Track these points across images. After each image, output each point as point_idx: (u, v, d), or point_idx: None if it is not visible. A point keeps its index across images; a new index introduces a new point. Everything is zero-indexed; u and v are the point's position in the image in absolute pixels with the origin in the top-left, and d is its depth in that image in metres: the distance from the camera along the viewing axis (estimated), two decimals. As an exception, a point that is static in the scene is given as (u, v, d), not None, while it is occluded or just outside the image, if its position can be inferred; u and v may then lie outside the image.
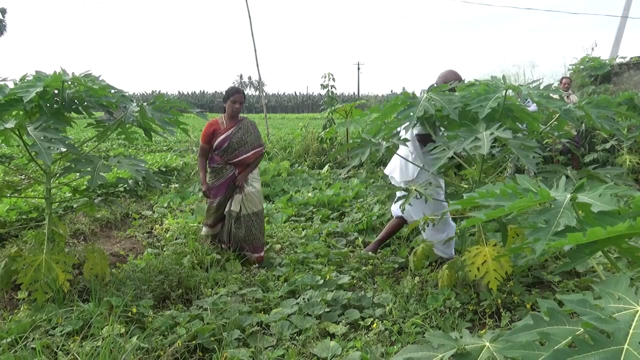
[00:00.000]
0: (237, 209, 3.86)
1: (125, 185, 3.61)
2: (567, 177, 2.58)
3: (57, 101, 2.73)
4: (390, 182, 3.61)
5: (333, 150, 9.32)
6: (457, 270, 2.98)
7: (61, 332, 2.44)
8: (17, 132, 2.69)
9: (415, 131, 3.38)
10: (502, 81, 2.68)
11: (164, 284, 3.09)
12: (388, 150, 3.05)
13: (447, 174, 3.41)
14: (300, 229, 4.82)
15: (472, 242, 3.30)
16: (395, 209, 3.86)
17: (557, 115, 2.76)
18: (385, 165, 8.06)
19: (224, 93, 3.87)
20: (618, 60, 9.80)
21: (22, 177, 6.53)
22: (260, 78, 13.37)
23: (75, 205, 4.20)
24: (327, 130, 9.44)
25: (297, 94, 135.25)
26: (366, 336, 2.47)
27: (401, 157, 3.50)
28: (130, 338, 2.35)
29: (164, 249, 4.01)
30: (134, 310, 2.63)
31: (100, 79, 2.77)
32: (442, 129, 3.11)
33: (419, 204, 3.38)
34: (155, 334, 2.47)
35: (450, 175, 3.47)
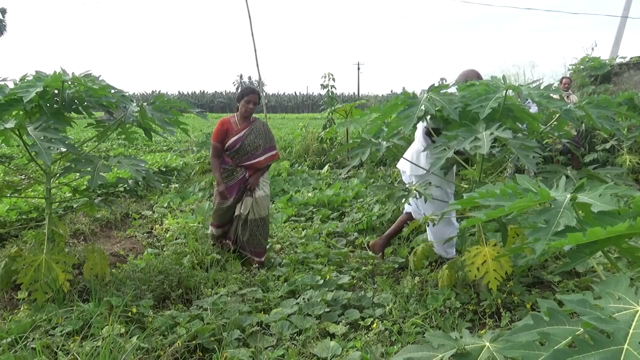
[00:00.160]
0: (246, 212, 3.79)
1: (125, 185, 3.61)
2: (567, 177, 2.58)
3: (57, 101, 2.73)
4: (389, 181, 3.61)
5: (333, 150, 9.32)
6: (457, 270, 2.98)
7: (61, 332, 2.44)
8: (17, 132, 2.69)
9: (424, 124, 3.37)
10: (502, 81, 2.68)
11: (164, 284, 3.09)
12: (388, 150, 3.05)
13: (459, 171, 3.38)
14: (300, 229, 4.82)
15: (472, 242, 3.30)
16: (407, 205, 3.84)
17: (557, 115, 2.76)
18: (385, 165, 8.10)
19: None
20: (618, 60, 9.80)
21: (22, 177, 6.53)
22: (260, 78, 13.37)
23: (75, 205, 4.20)
24: (327, 130, 9.44)
25: (297, 94, 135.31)
26: (366, 336, 2.47)
27: (406, 158, 3.50)
28: (130, 338, 2.35)
29: (164, 249, 4.01)
30: (134, 310, 2.63)
31: (100, 79, 2.77)
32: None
33: (428, 202, 3.37)
34: (155, 334, 2.47)
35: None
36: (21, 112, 2.70)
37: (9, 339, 2.32)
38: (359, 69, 68.63)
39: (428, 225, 3.48)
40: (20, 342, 2.30)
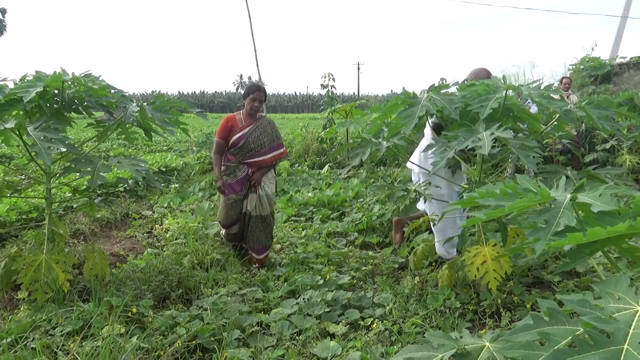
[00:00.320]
0: (251, 209, 3.75)
1: (125, 185, 3.61)
2: (567, 177, 2.58)
3: (57, 101, 2.73)
4: (389, 181, 3.60)
5: (333, 150, 9.32)
6: (457, 270, 2.98)
7: (61, 332, 2.44)
8: (17, 132, 2.69)
9: (432, 119, 3.36)
10: (502, 81, 2.68)
11: (164, 284, 3.09)
12: (388, 150, 3.05)
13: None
14: (300, 229, 4.82)
15: (472, 242, 3.30)
16: (420, 203, 3.84)
17: (557, 115, 2.76)
18: (385, 165, 8.10)
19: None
20: (618, 60, 9.80)
21: (22, 177, 6.53)
22: (260, 78, 13.38)
23: (75, 205, 4.20)
24: (327, 130, 9.45)
25: (297, 94, 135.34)
26: (366, 336, 2.47)
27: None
28: (130, 338, 2.35)
29: (164, 249, 4.01)
30: (134, 310, 2.63)
31: (100, 79, 2.77)
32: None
33: (435, 201, 3.38)
34: (155, 334, 2.47)
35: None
36: (21, 112, 2.70)
37: (9, 339, 2.32)
38: (359, 69, 68.61)
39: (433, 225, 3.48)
40: (20, 342, 2.30)
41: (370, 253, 3.97)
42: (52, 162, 2.60)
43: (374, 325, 2.58)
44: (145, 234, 4.75)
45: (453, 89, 2.86)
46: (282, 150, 3.86)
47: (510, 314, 2.70)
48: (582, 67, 9.59)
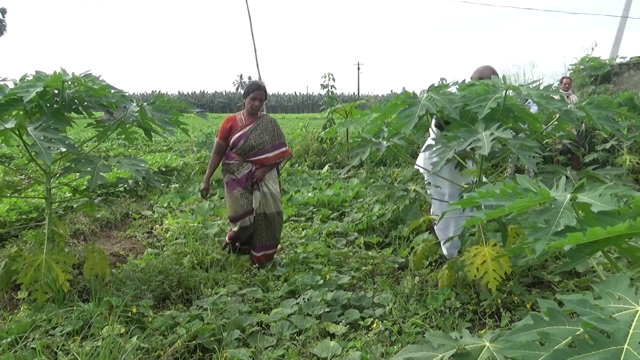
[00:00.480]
0: (256, 207, 3.72)
1: (125, 185, 3.62)
2: (567, 177, 2.58)
3: (57, 101, 2.73)
4: (389, 181, 3.60)
5: (333, 150, 9.32)
6: (457, 270, 2.98)
7: (61, 332, 2.44)
8: (17, 132, 2.69)
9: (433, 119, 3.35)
10: (502, 81, 2.68)
11: (164, 284, 3.09)
12: (388, 150, 3.05)
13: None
14: (300, 229, 4.82)
15: (472, 242, 3.30)
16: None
17: (557, 116, 2.76)
18: (385, 165, 8.10)
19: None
20: (618, 60, 9.81)
21: (22, 177, 6.52)
22: (260, 78, 13.39)
23: (75, 205, 4.20)
24: (327, 130, 9.44)
25: (297, 94, 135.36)
26: (366, 336, 2.47)
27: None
28: (130, 338, 2.35)
29: (164, 249, 4.01)
30: (134, 310, 2.63)
31: (100, 79, 2.77)
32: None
33: (441, 201, 3.37)
34: (155, 334, 2.47)
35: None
36: (21, 112, 2.70)
37: (9, 339, 2.32)
38: (359, 69, 68.63)
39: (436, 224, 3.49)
40: (20, 342, 2.30)
41: (370, 253, 3.97)
42: (52, 162, 2.60)
43: (374, 325, 2.58)
44: (145, 234, 4.75)
45: (453, 89, 2.85)
46: (285, 148, 3.82)
47: (510, 314, 2.70)
48: (582, 67, 9.59)
